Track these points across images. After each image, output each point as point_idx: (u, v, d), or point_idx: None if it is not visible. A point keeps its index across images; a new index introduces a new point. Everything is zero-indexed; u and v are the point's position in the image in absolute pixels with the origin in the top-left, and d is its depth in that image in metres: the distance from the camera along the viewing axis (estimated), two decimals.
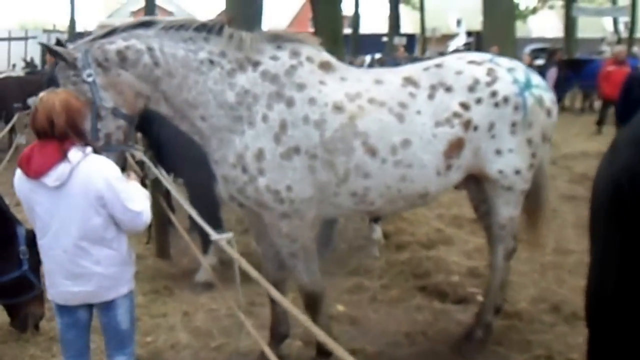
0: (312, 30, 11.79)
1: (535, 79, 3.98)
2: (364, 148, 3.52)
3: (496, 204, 4.05)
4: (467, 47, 28.37)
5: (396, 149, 3.57)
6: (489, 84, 3.78)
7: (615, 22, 36.07)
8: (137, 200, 3.01)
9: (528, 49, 27.15)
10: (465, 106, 3.72)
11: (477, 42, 23.83)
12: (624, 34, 34.22)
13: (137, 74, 3.37)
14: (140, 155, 3.67)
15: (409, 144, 3.59)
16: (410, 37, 28.61)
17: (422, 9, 36.07)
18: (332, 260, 5.95)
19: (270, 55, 3.53)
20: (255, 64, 3.48)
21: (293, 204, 3.50)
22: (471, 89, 3.75)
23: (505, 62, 4.01)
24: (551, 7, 39.28)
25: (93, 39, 3.39)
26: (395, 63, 12.74)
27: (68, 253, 2.95)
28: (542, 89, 3.96)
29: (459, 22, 50.68)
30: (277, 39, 3.62)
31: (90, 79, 3.28)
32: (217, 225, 5.18)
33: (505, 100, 3.77)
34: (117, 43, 3.35)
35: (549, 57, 19.95)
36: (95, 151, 3.02)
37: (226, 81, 3.44)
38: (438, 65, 3.87)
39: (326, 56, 3.73)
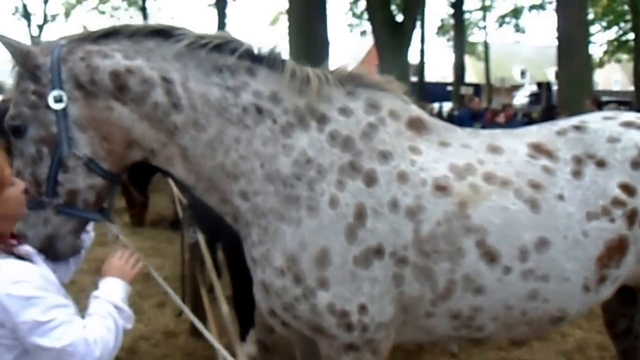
0: None
1: None
2: (479, 251, 2.24)
3: None
4: (534, 98, 26.79)
5: (527, 253, 2.28)
6: None
7: None
8: (61, 330, 1.80)
9: None
10: (629, 190, 2.42)
11: (547, 93, 22.31)
12: None
13: (143, 114, 2.22)
14: (115, 231, 2.40)
15: (547, 246, 2.30)
16: (476, 87, 27.19)
17: (487, 59, 34.81)
18: (399, 353, 4.67)
19: (340, 106, 2.32)
20: (321, 120, 2.28)
21: (366, 331, 2.24)
22: (636, 164, 2.45)
23: None
24: (618, 61, 37.00)
25: (78, 39, 2.24)
26: (470, 114, 11.50)
27: None
28: None
29: (523, 73, 49.33)
30: (349, 81, 2.38)
31: (58, 106, 2.14)
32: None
33: None
34: (114, 59, 2.19)
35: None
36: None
37: (279, 141, 2.24)
38: (578, 128, 2.56)
39: (416, 111, 2.49)
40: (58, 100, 2.14)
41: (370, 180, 2.22)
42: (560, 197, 2.35)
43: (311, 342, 2.50)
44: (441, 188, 2.26)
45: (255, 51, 2.30)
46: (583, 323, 5.34)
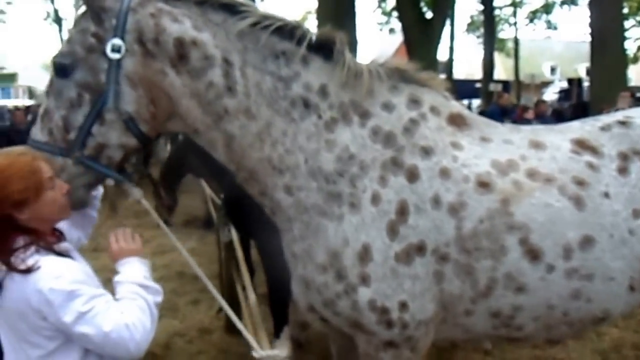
0: None
1: None
2: (522, 248, 2.19)
3: None
4: (564, 95, 26.33)
5: (571, 252, 2.22)
6: None
7: None
8: (101, 317, 1.86)
9: None
10: None
11: (578, 89, 21.89)
12: None
13: (194, 91, 2.17)
14: (138, 195, 2.32)
15: (592, 244, 2.24)
16: (505, 84, 26.82)
17: (517, 55, 34.29)
18: (431, 350, 4.60)
19: (383, 101, 2.29)
20: (364, 115, 2.25)
21: (406, 329, 2.22)
22: None
23: None
24: None
25: None
26: (499, 111, 11.37)
27: None
28: None
29: (553, 69, 48.52)
30: (393, 75, 2.34)
31: (114, 56, 2.07)
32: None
33: None
34: (183, 26, 2.14)
35: None
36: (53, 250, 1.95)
37: (323, 137, 2.22)
38: (623, 123, 2.47)
39: (457, 106, 2.44)
40: (116, 50, 2.07)
41: (412, 176, 2.19)
42: (606, 195, 2.28)
43: (348, 339, 2.49)
44: (484, 184, 2.21)
45: (313, 39, 2.24)
46: (619, 322, 5.23)
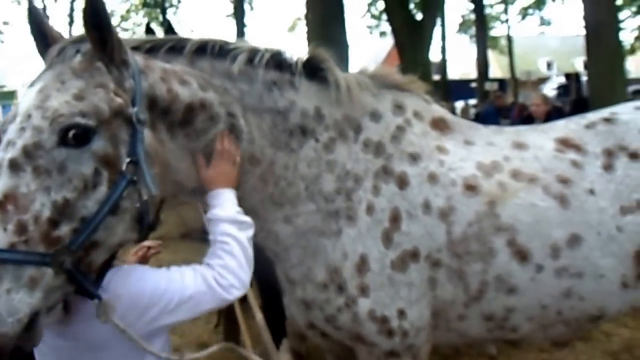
0: None
1: None
2: (510, 250, 2.20)
3: None
4: (563, 90, 26.28)
5: (559, 251, 2.23)
6: None
7: None
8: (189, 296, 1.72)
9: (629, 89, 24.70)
10: None
11: (577, 84, 21.83)
12: None
13: (191, 149, 1.94)
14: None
15: (579, 242, 2.24)
16: (501, 82, 26.79)
17: (510, 53, 34.33)
18: (435, 357, 4.55)
19: (370, 111, 2.29)
20: (357, 129, 2.25)
21: (406, 337, 2.22)
22: None
23: None
24: None
25: (148, 50, 1.89)
26: (495, 111, 11.31)
27: None
28: None
29: (549, 65, 48.58)
30: (374, 82, 2.35)
31: (139, 127, 1.66)
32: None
33: None
34: (192, 87, 1.89)
35: None
36: None
37: (323, 159, 2.18)
38: (608, 120, 2.48)
39: (439, 110, 2.47)
40: (140, 120, 1.67)
41: (403, 182, 2.21)
42: (591, 192, 2.29)
43: (347, 350, 2.47)
44: (470, 187, 2.23)
45: (293, 62, 2.19)
46: (629, 322, 5.17)
